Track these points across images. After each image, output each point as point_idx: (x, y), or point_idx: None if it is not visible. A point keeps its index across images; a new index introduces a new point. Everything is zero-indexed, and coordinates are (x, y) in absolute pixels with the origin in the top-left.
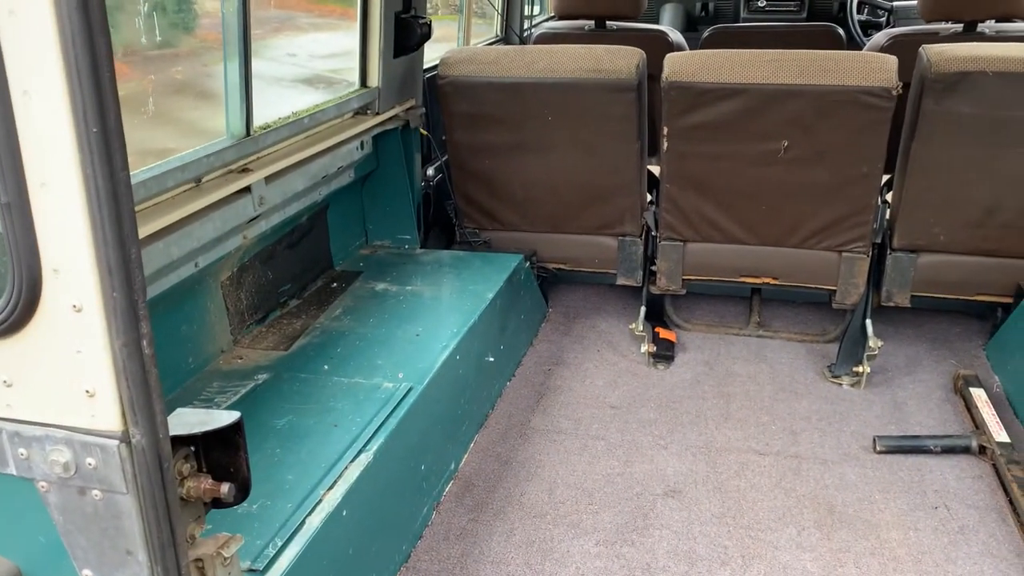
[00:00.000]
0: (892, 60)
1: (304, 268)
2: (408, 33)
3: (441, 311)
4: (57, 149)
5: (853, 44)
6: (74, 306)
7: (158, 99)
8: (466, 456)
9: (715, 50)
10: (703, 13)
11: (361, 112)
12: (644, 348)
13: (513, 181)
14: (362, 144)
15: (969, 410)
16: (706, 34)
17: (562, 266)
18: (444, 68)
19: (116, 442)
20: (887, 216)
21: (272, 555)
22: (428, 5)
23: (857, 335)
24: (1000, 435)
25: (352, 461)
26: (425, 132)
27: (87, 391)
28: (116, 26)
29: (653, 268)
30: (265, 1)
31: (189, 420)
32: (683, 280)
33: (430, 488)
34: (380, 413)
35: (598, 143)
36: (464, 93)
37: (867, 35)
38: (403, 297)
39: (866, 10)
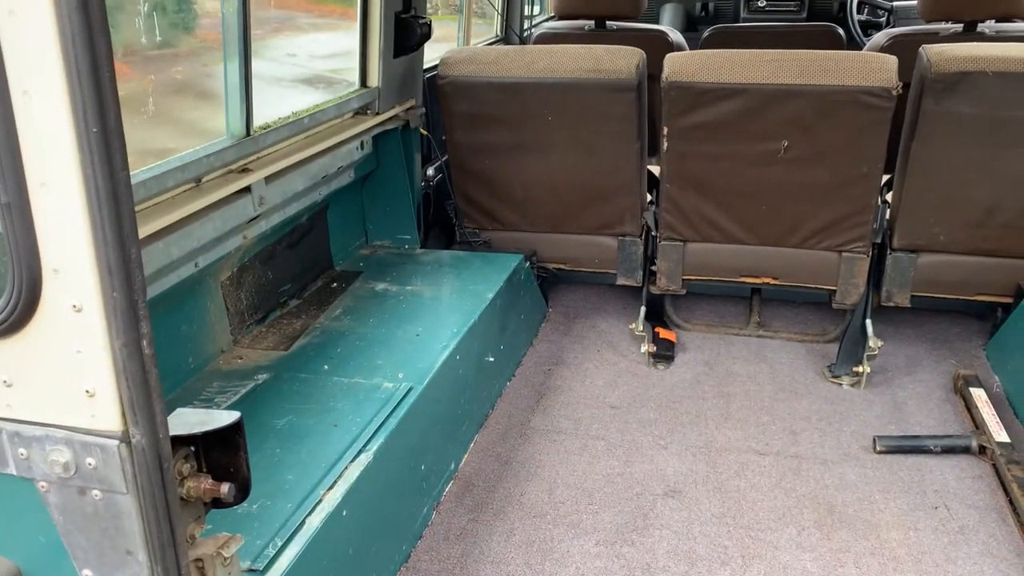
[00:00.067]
0: (892, 60)
1: (304, 268)
2: (408, 33)
3: (441, 311)
4: (57, 149)
5: (853, 44)
6: (74, 306)
7: (158, 99)
8: (466, 456)
9: (715, 50)
10: (703, 13)
11: (361, 112)
12: (644, 348)
13: (513, 181)
14: (362, 144)
15: (969, 410)
16: (706, 34)
17: (562, 266)
18: (444, 68)
19: (116, 442)
20: (887, 216)
21: (272, 555)
22: (428, 5)
23: (857, 335)
24: (1000, 435)
25: (352, 461)
26: (425, 132)
27: (87, 391)
28: (116, 26)
29: (653, 268)
30: (265, 1)
31: (189, 420)
32: (683, 280)
33: (430, 488)
34: (380, 413)
35: (598, 143)
36: (464, 93)
37: (867, 35)
38: (403, 297)
39: (866, 10)
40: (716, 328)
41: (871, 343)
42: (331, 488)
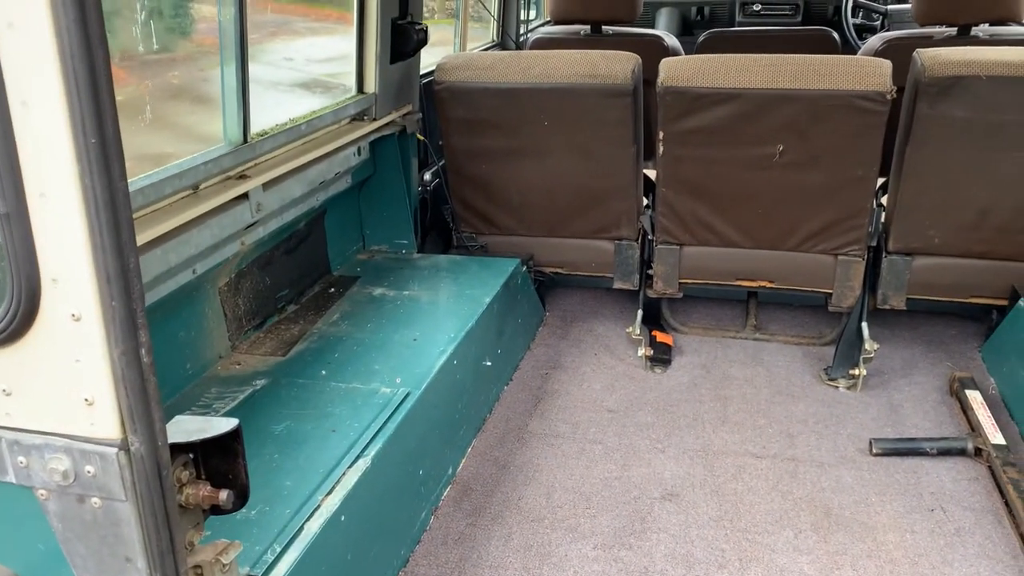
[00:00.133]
0: (886, 64)
1: (302, 273)
2: (404, 39)
3: (438, 316)
4: (56, 159)
5: (848, 48)
6: (73, 315)
7: (155, 104)
8: (464, 460)
9: (710, 55)
10: (699, 17)
11: (358, 118)
12: (641, 352)
13: (510, 186)
14: (359, 150)
15: (965, 412)
16: (701, 38)
17: (559, 270)
18: (440, 74)
19: (115, 450)
20: (882, 219)
21: (271, 561)
22: (424, 10)
23: (853, 338)
24: (996, 437)
25: (350, 466)
26: (422, 137)
27: (86, 399)
28: (113, 31)
29: (650, 272)
30: (262, 6)
31: (188, 427)
32: (679, 284)
33: (428, 493)
34: (378, 418)
35: (594, 148)
36: (460, 98)
37: (862, 39)
38: (400, 302)
39: (860, 14)
40: (713, 331)
41: (867, 346)
42: (329, 494)
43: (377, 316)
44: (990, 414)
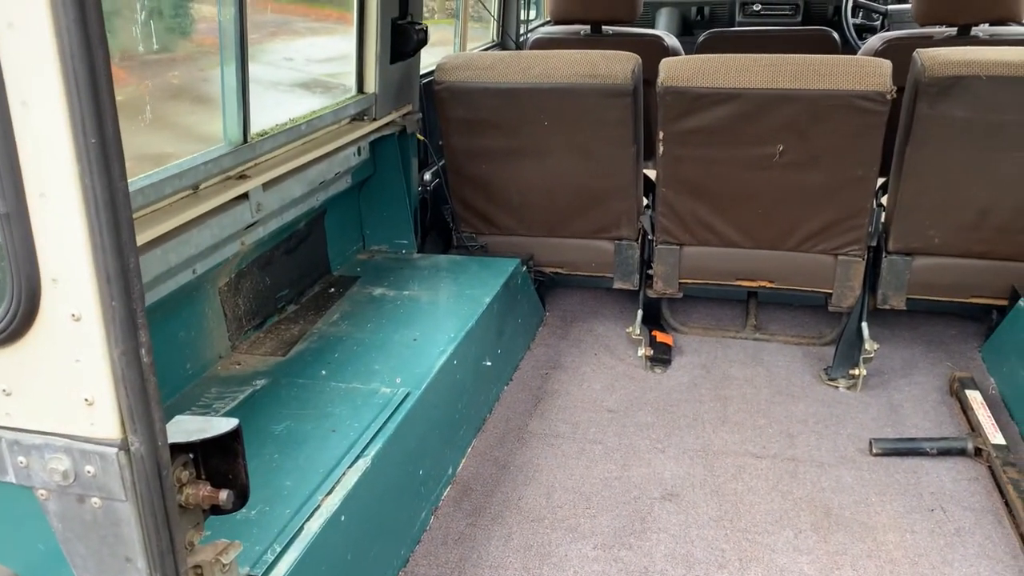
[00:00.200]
0: (886, 64)
1: (302, 273)
2: (404, 39)
3: (438, 316)
4: (56, 159)
5: (848, 48)
6: (73, 315)
7: (155, 104)
8: (464, 460)
9: (710, 55)
10: (699, 17)
11: (358, 118)
12: (641, 352)
13: (510, 186)
14: (359, 150)
15: (965, 412)
16: (701, 38)
17: (559, 270)
18: (440, 74)
19: (115, 450)
20: (882, 219)
21: (271, 561)
22: (424, 10)
23: (853, 338)
24: (996, 437)
25: (350, 466)
26: (422, 137)
27: (86, 399)
28: (113, 31)
29: (649, 272)
30: (262, 6)
31: (188, 427)
32: (679, 284)
33: (428, 493)
34: (378, 418)
35: (594, 148)
36: (460, 98)
37: (862, 39)
38: (400, 302)
39: (861, 14)
40: (713, 331)
41: (867, 346)
42: (329, 494)
43: (377, 316)
44: (990, 414)
